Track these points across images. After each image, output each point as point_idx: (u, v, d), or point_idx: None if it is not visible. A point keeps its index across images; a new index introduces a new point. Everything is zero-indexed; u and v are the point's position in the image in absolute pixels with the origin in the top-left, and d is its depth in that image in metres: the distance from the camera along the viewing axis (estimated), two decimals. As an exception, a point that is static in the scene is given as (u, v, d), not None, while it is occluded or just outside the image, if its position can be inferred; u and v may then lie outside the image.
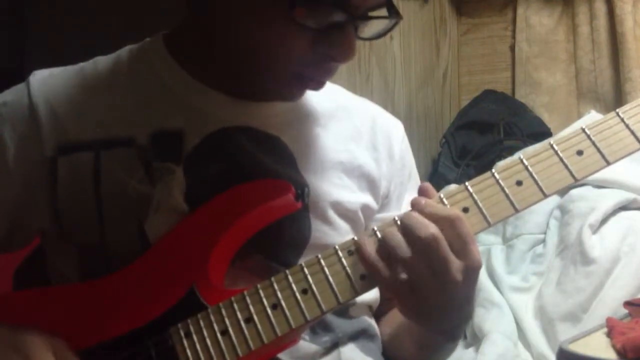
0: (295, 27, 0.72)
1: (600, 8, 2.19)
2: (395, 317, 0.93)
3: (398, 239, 0.68)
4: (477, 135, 2.20)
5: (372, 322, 0.92)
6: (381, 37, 0.79)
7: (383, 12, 0.77)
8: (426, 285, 0.68)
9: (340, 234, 0.85)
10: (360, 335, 0.89)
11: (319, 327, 0.84)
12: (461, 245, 0.68)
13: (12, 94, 0.85)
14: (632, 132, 0.71)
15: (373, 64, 1.87)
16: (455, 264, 0.68)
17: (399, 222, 0.70)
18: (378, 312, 0.95)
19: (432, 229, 0.67)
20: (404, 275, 0.68)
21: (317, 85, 0.81)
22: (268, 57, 0.76)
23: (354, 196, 0.87)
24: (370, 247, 0.70)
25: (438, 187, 2.06)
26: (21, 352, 0.70)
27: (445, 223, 0.68)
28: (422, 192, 0.73)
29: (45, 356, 0.70)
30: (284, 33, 0.73)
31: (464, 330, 0.82)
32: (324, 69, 0.78)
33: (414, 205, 0.70)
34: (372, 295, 0.91)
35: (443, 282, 0.68)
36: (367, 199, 0.89)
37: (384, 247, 0.69)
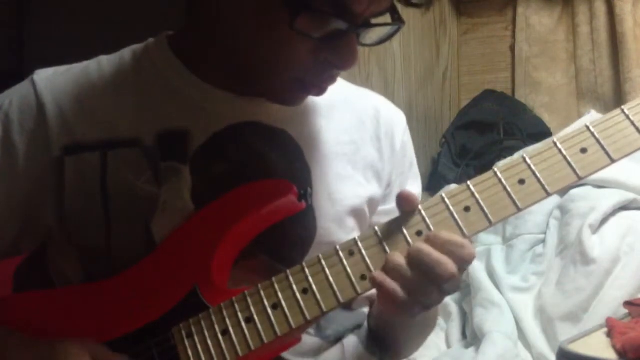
0: (297, 35, 0.72)
1: (600, 8, 2.19)
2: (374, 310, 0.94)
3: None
4: (477, 135, 2.20)
5: None
6: (383, 43, 0.79)
7: (385, 18, 0.76)
8: (434, 298, 0.70)
9: (346, 230, 0.85)
10: (361, 328, 0.89)
11: (322, 320, 0.84)
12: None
13: (18, 93, 0.84)
14: (638, 129, 0.70)
15: (373, 64, 1.87)
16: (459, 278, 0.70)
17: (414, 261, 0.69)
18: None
19: (450, 265, 0.68)
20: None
21: (319, 91, 0.81)
22: (269, 63, 0.76)
23: (361, 190, 0.87)
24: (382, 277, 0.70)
25: (438, 187, 2.05)
26: None
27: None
28: (403, 200, 0.72)
29: None
30: (286, 41, 0.73)
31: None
32: (326, 75, 0.78)
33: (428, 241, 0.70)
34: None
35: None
36: (372, 190, 0.89)
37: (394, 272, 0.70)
